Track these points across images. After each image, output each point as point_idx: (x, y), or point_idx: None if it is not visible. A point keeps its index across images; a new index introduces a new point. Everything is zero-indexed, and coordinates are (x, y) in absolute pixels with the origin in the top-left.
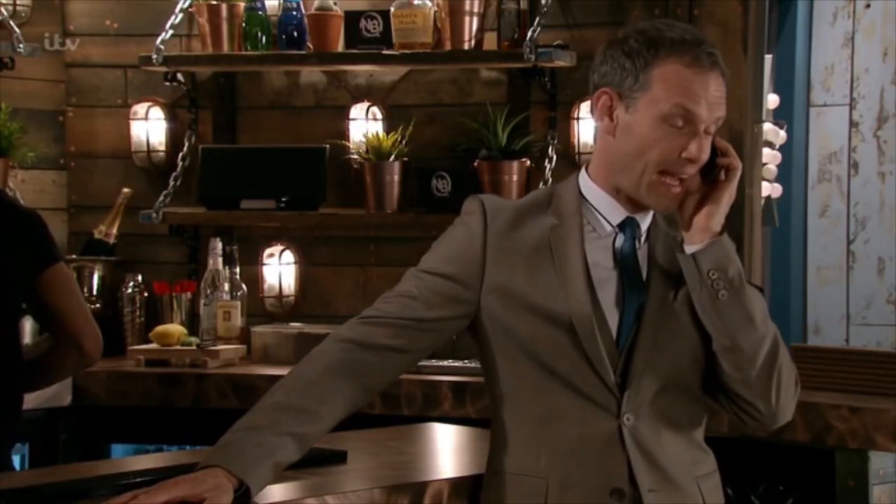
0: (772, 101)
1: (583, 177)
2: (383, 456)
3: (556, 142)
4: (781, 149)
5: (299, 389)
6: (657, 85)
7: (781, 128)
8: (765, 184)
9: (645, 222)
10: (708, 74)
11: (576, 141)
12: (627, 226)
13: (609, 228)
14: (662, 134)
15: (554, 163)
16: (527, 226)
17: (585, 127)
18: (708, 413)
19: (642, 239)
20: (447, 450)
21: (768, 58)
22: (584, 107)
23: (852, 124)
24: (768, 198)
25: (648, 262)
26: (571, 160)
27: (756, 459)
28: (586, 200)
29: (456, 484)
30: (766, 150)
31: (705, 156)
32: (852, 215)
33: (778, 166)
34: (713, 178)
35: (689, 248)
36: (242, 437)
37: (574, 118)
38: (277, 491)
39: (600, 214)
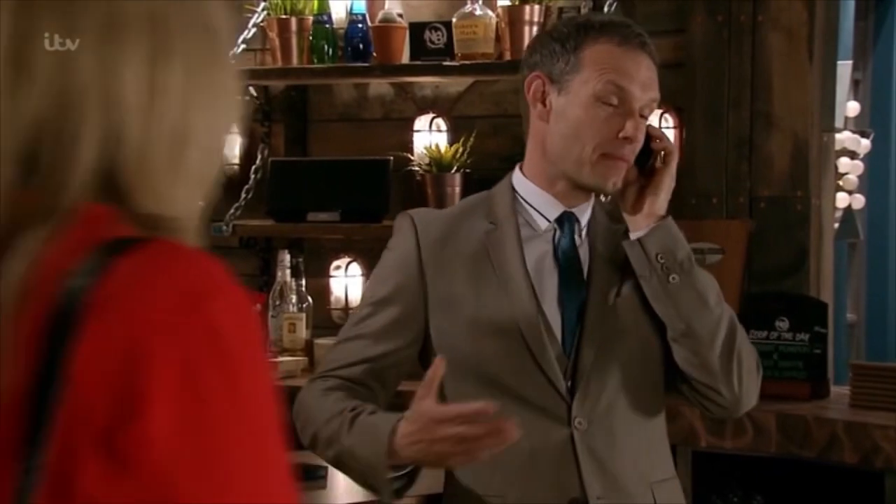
0: (851, 109)
1: (516, 175)
2: None
3: None
4: (874, 159)
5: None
6: (588, 65)
7: (867, 136)
8: (843, 195)
9: (584, 217)
10: (638, 54)
11: None
12: (566, 221)
13: (546, 224)
14: (597, 114)
15: None
16: (461, 234)
17: None
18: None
19: (583, 234)
20: None
21: (846, 64)
22: None
23: None
24: (848, 209)
25: (590, 258)
26: None
27: (808, 481)
28: (521, 199)
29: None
30: (844, 160)
31: (641, 137)
32: None
33: (860, 177)
34: (650, 165)
35: (635, 235)
36: None
37: None
38: None
39: (536, 211)
